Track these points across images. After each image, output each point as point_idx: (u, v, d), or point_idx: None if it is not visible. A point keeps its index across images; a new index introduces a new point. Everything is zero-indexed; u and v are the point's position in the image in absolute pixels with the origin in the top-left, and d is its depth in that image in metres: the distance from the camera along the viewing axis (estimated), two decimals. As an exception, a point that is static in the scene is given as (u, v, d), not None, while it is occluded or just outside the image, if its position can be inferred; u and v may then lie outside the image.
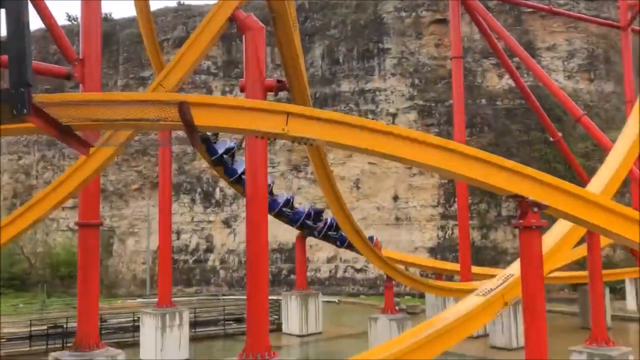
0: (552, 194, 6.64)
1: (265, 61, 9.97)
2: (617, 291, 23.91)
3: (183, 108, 5.04)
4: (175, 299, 17.90)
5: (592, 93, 33.32)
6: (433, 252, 29.79)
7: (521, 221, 6.79)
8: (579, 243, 12.01)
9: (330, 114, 6.19)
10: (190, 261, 32.10)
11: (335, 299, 28.29)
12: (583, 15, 28.22)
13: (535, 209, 6.65)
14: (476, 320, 9.12)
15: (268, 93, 9.67)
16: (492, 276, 18.71)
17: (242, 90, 9.84)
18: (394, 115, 30.84)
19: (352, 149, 6.41)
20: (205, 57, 32.64)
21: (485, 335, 17.87)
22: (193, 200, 32.86)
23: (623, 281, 23.02)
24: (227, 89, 32.94)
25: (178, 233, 31.93)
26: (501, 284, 9.53)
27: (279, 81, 9.68)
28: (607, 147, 17.98)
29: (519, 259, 10.84)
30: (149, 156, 33.28)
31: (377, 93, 31.77)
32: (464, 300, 9.52)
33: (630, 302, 23.02)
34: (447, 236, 30.03)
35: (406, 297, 27.75)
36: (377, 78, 31.93)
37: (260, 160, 9.84)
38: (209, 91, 32.37)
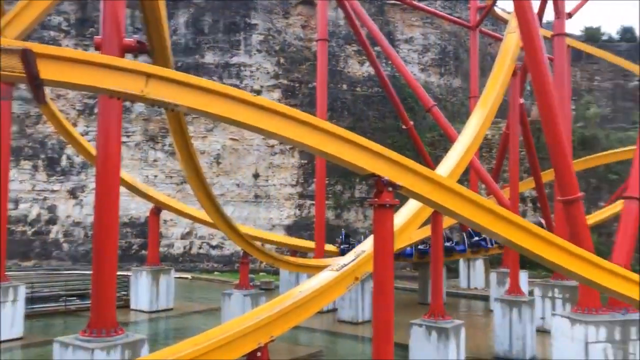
0: (406, 175, 7.01)
1: (124, 22, 9.29)
2: (452, 270, 26.16)
3: (27, 57, 4.48)
4: (9, 273, 16.30)
5: (442, 87, 35.89)
6: (290, 230, 30.32)
7: (376, 199, 7.09)
8: (424, 224, 12.92)
9: (195, 79, 5.92)
10: (29, 233, 29.43)
11: (188, 275, 27.70)
12: (439, 12, 30.07)
13: (390, 189, 6.98)
14: (328, 295, 9.40)
15: (127, 54, 9.04)
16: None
17: (97, 48, 9.08)
18: (258, 92, 30.64)
19: (216, 118, 6.20)
20: (55, 11, 29.84)
21: (334, 310, 18.64)
22: (35, 167, 30.05)
23: (458, 261, 25.21)
24: (79, 48, 30.37)
25: (16, 202, 29.08)
26: (353, 259, 9.92)
27: (139, 42, 9.07)
28: (453, 138, 19.46)
29: (371, 236, 11.38)
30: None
31: (242, 68, 31.35)
32: (318, 275, 9.77)
33: (463, 280, 25.33)
34: (303, 215, 30.73)
35: (261, 273, 27.99)
36: (242, 53, 31.46)
37: (113, 126, 9.20)
38: (58, 50, 29.61)
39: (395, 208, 7.36)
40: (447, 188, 7.32)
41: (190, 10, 31.62)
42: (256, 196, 30.77)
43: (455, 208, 7.31)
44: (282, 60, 31.82)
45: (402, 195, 7.37)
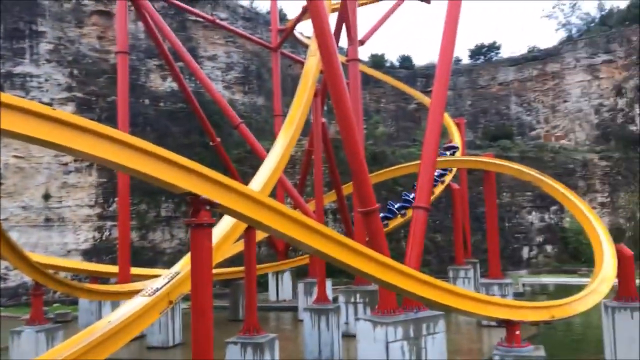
0: (224, 193, 7.02)
1: None
2: (261, 284, 26.64)
3: None
4: None
5: (246, 104, 36.57)
6: (88, 254, 28.09)
7: (193, 219, 6.96)
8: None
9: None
10: None
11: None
12: (241, 32, 30.67)
13: (208, 207, 6.91)
14: (141, 322, 8.92)
15: None
16: (152, 277, 18.72)
17: None
18: (49, 106, 28.00)
19: (6, 134, 5.53)
20: None
21: (143, 337, 17.72)
22: None
23: (266, 275, 25.77)
24: None
25: None
26: (167, 282, 9.57)
27: None
28: (260, 154, 19.98)
29: (185, 257, 11.10)
30: None
31: (29, 79, 28.38)
32: (129, 302, 9.22)
33: (272, 293, 25.93)
34: (104, 237, 28.72)
35: (55, 305, 25.45)
36: (28, 62, 28.49)
37: None
38: None
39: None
40: (264, 204, 7.49)
41: (-38, 12, 27.79)
42: (47, 219, 27.94)
43: (272, 224, 7.51)
44: (75, 72, 29.53)
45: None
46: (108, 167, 5.88)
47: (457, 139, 28.97)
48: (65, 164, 28.37)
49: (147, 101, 31.56)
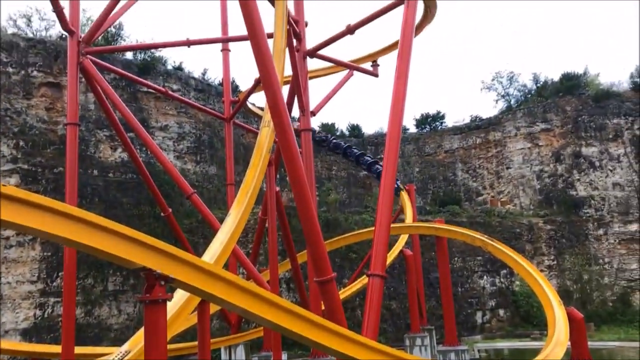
0: (179, 267, 6.85)
1: None
2: (214, 359, 25.61)
3: None
4: None
5: (198, 174, 36.38)
6: (28, 334, 26.45)
7: (147, 295, 6.74)
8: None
9: None
10: None
11: None
12: (194, 103, 30.95)
13: (162, 282, 6.72)
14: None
15: None
16: (97, 355, 17.76)
17: None
18: (-9, 178, 27.07)
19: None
20: None
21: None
22: None
23: (219, 350, 24.84)
24: None
25: None
26: (116, 362, 9.10)
27: None
28: (213, 224, 19.74)
29: (136, 334, 10.64)
30: None
31: (-30, 151, 27.49)
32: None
33: (225, 368, 24.92)
34: (46, 315, 27.21)
35: (-11, 391, 23.60)
36: (-29, 134, 27.68)
37: None
38: None
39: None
40: (219, 277, 7.34)
41: None
42: (-16, 298, 26.35)
43: (229, 298, 7.34)
44: (21, 144, 28.83)
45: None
46: (54, 241, 5.67)
47: (407, 206, 29.53)
48: (7, 238, 27.16)
49: (95, 172, 30.95)
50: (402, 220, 29.00)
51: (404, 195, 30.69)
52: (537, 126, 46.65)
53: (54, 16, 20.51)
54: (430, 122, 55.68)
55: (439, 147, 51.97)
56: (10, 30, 33.96)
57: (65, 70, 27.15)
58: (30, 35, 33.97)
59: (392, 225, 18.11)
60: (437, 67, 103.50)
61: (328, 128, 52.70)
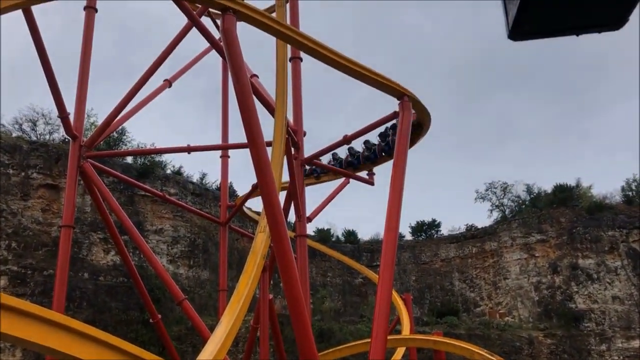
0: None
1: None
2: None
3: None
4: None
5: (190, 278, 35.76)
6: None
7: (128, 410, 6.29)
8: None
9: None
10: None
11: None
12: (190, 207, 31.04)
13: (145, 397, 6.30)
14: None
15: None
16: None
17: None
18: (-22, 280, 26.53)
19: None
20: None
21: None
22: None
23: None
24: None
25: None
26: None
27: None
28: (203, 332, 19.00)
29: None
30: None
31: (-40, 252, 27.16)
32: None
33: None
34: None
35: None
36: (-37, 234, 27.51)
37: None
38: None
39: None
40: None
41: None
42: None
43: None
44: (13, 245, 28.56)
45: None
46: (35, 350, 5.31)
47: (404, 316, 28.74)
48: (-13, 344, 26.11)
49: (86, 275, 30.43)
50: (399, 332, 28.08)
51: (401, 304, 29.96)
52: (533, 237, 46.70)
53: (59, 121, 21.16)
54: (426, 229, 55.73)
55: (435, 256, 51.62)
56: (14, 134, 34.83)
57: (65, 172, 27.49)
58: (34, 138, 34.82)
59: (388, 337, 17.49)
60: (432, 174, 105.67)
61: (324, 234, 52.61)
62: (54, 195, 30.76)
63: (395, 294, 30.50)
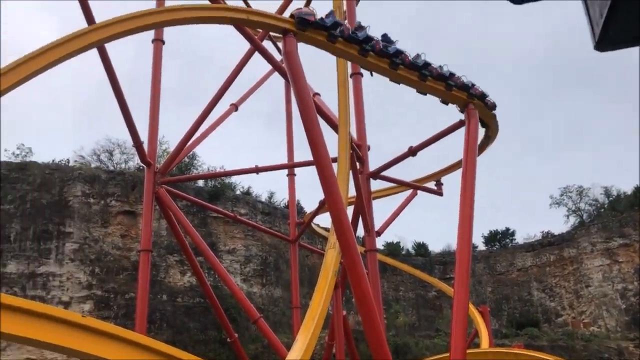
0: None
1: None
2: None
3: None
4: None
5: (264, 297, 36.27)
6: None
7: None
8: None
9: (6, 298, 5.23)
10: None
11: None
12: (260, 226, 31.58)
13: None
14: None
15: None
16: None
17: None
18: (67, 304, 27.99)
19: (33, 343, 5.43)
20: None
21: None
22: None
23: None
24: None
25: None
26: None
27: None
28: (280, 350, 19.18)
29: None
30: None
31: (51, 278, 28.80)
32: None
33: None
34: None
35: None
36: (52, 262, 29.17)
37: None
38: None
39: None
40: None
41: (-5, 218, 29.33)
42: None
43: None
44: (97, 270, 30.02)
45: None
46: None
47: (482, 329, 27.89)
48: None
49: (165, 297, 31.49)
50: (477, 345, 27.25)
51: (478, 317, 29.11)
52: (615, 241, 44.31)
53: (133, 149, 22.19)
54: (499, 239, 54.05)
55: (511, 265, 49.91)
56: (93, 164, 36.80)
57: (140, 199, 28.73)
58: (112, 167, 36.64)
59: (467, 351, 17.01)
60: (499, 181, 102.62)
61: (393, 247, 52.08)
62: (131, 221, 32.13)
63: (471, 307, 29.67)
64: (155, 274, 31.16)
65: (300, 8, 11.41)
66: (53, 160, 35.78)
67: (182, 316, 31.48)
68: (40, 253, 29.15)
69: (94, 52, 11.61)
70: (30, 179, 31.44)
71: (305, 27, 10.87)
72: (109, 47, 13.32)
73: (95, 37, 9.41)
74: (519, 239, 53.60)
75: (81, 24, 11.42)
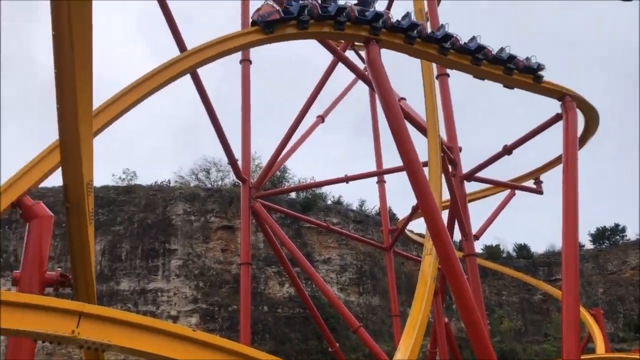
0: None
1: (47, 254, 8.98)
2: None
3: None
4: None
5: (362, 305, 36.21)
6: None
7: None
8: None
9: (129, 316, 5.59)
10: None
11: None
12: (353, 235, 31.65)
13: None
14: None
15: (47, 289, 8.54)
16: None
17: (14, 283, 8.55)
18: (176, 318, 29.43)
19: (152, 357, 5.75)
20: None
21: None
22: None
23: None
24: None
25: None
26: None
27: (62, 275, 8.67)
28: (380, 358, 19.07)
29: None
30: None
31: (160, 294, 30.44)
32: None
33: None
34: None
35: None
36: (160, 278, 30.85)
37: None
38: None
39: None
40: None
41: (108, 238, 31.44)
42: None
43: None
44: (201, 284, 31.36)
45: None
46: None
47: (597, 333, 26.20)
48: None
49: (265, 308, 32.28)
50: (592, 350, 25.60)
51: (590, 320, 27.40)
52: None
53: (228, 167, 23.08)
54: (609, 236, 50.61)
55: (624, 264, 46.56)
56: (192, 184, 38.61)
57: (237, 214, 29.75)
58: (209, 185, 38.25)
59: (582, 357, 16.05)
60: (608, 175, 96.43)
61: (493, 250, 50.26)
62: (230, 235, 33.30)
63: (582, 309, 27.99)
64: (256, 286, 32.04)
65: (258, 8, 10.55)
66: (155, 182, 37.96)
67: (284, 327, 32.10)
68: (149, 270, 30.94)
69: (186, 77, 12.18)
70: (136, 201, 33.50)
71: (273, 27, 10.21)
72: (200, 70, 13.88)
73: (190, 61, 9.90)
74: (631, 234, 49.91)
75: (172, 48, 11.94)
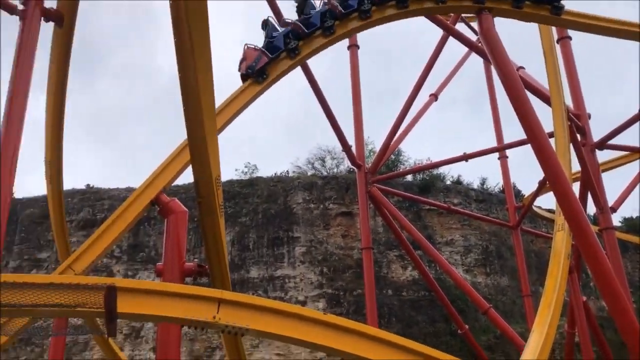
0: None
1: (185, 247, 9.65)
2: None
3: (110, 293, 4.54)
4: None
5: (490, 286, 35.07)
6: None
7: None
8: None
9: (265, 301, 5.86)
10: None
11: None
12: (476, 214, 30.70)
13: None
14: None
15: (186, 278, 9.21)
16: None
17: (158, 274, 9.30)
18: (303, 303, 30.42)
19: (286, 340, 6.00)
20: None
21: None
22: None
23: None
24: (130, 273, 31.43)
25: None
26: None
27: (199, 266, 9.29)
28: (515, 340, 18.39)
29: None
30: (32, 346, 29.81)
31: (287, 280, 31.61)
32: None
33: None
34: None
35: None
36: (286, 265, 32.02)
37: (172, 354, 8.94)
38: (110, 275, 30.70)
39: None
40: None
41: (236, 229, 33.12)
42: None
43: None
44: (325, 270, 32.10)
45: None
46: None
47: None
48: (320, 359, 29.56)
49: (390, 291, 32.34)
50: None
51: None
52: None
53: (342, 154, 23.36)
54: None
55: None
56: (309, 172, 39.52)
57: (354, 199, 30.03)
58: (325, 173, 38.94)
59: None
60: None
61: (633, 223, 46.35)
62: (349, 221, 33.69)
63: None
64: (378, 270, 32.15)
65: (242, 59, 10.30)
66: (275, 174, 39.35)
67: (409, 309, 31.98)
68: (275, 258, 32.22)
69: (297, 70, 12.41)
70: (258, 193, 34.94)
71: (274, 51, 10.07)
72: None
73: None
74: None
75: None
